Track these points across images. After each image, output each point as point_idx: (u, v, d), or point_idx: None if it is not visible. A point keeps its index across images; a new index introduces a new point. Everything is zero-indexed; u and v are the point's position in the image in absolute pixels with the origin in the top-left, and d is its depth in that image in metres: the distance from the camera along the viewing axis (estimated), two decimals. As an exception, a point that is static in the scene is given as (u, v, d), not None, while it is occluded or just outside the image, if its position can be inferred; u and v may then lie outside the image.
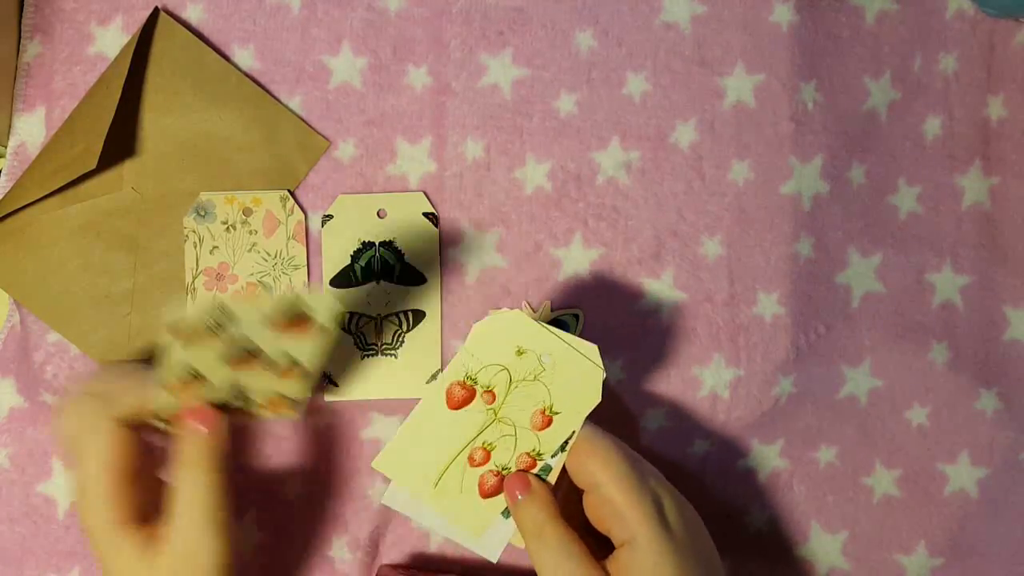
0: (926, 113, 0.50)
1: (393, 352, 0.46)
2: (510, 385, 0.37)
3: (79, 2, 0.45)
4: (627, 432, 0.47)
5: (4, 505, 0.45)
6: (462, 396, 0.37)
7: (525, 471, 0.37)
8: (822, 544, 0.49)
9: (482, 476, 0.38)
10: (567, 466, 0.37)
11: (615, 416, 0.47)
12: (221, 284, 0.45)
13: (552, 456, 0.37)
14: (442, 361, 0.46)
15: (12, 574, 0.45)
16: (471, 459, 0.37)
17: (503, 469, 0.37)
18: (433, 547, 0.47)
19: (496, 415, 0.37)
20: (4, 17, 0.45)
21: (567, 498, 0.39)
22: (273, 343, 0.35)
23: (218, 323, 0.34)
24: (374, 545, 0.47)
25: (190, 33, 0.45)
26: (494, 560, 0.38)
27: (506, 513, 0.38)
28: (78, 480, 0.37)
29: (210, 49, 0.45)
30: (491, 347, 0.36)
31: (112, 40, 0.45)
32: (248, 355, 0.36)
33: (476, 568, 0.47)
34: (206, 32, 0.46)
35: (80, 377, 0.44)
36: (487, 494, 0.38)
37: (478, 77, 0.46)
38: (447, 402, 0.37)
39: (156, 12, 0.45)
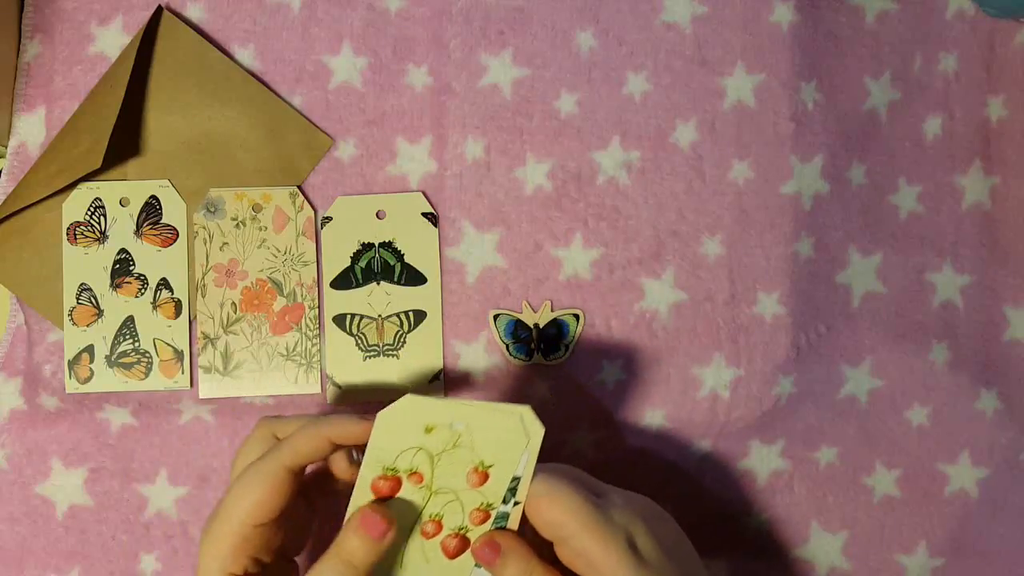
0: (926, 113, 0.50)
1: (395, 353, 0.46)
2: (433, 460, 0.35)
3: (79, 2, 0.45)
4: (627, 432, 0.47)
5: (4, 505, 0.45)
6: (389, 487, 0.35)
7: (488, 535, 0.35)
8: (822, 544, 0.49)
9: (443, 543, 0.36)
10: (530, 519, 0.35)
11: (615, 416, 0.47)
12: (231, 280, 0.45)
13: (504, 503, 0.35)
14: (444, 361, 0.46)
15: (12, 574, 0.45)
16: (424, 533, 0.35)
17: (460, 529, 0.35)
18: (433, 547, 0.47)
19: (431, 490, 0.35)
20: (4, 17, 0.45)
21: (533, 543, 0.36)
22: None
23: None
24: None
25: (193, 31, 0.45)
26: None
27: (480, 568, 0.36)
28: (219, 508, 0.35)
29: (213, 47, 0.45)
30: (397, 435, 0.34)
31: (112, 40, 0.45)
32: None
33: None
34: (206, 32, 0.46)
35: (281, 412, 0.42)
36: (454, 554, 0.36)
37: (478, 77, 0.46)
38: (377, 497, 0.35)
39: (159, 10, 0.45)
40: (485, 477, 0.35)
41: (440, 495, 0.35)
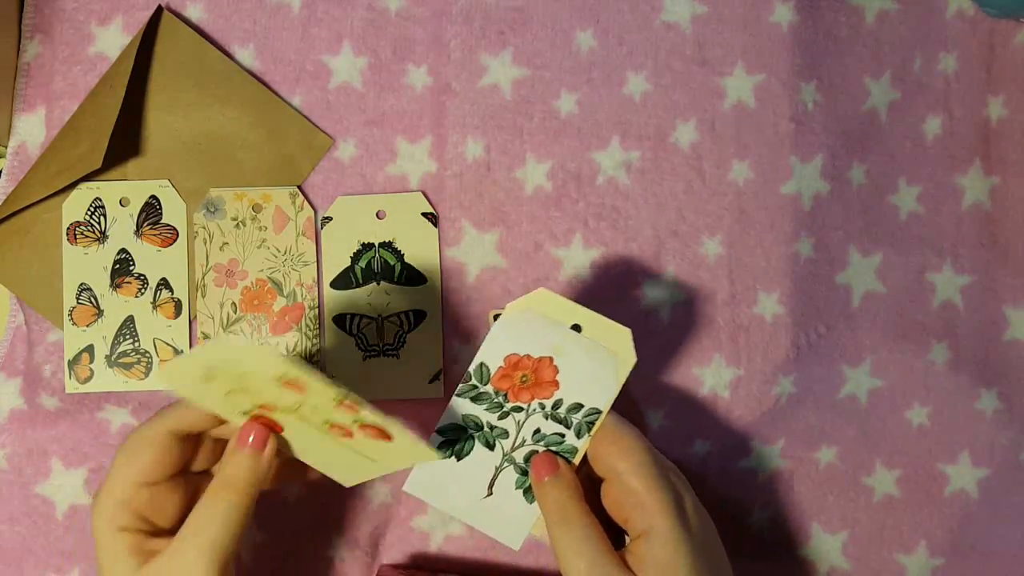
0: (926, 113, 0.50)
1: (395, 352, 0.46)
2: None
3: (79, 2, 0.45)
4: (627, 432, 0.47)
5: (4, 505, 0.45)
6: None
7: (552, 455, 0.37)
8: (822, 544, 0.49)
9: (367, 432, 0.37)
10: (587, 453, 0.37)
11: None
12: (231, 280, 0.45)
13: (578, 437, 0.37)
14: (444, 361, 0.46)
15: (12, 574, 0.45)
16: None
17: (355, 421, 0.36)
18: (433, 547, 0.47)
19: (296, 410, 0.36)
20: (4, 17, 0.45)
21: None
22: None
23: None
24: (374, 545, 0.47)
25: (193, 31, 0.45)
26: (516, 548, 0.38)
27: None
28: (105, 478, 0.36)
29: (213, 47, 0.45)
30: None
31: (112, 40, 0.45)
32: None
33: (476, 568, 0.47)
34: (206, 32, 0.46)
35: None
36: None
37: (478, 77, 0.46)
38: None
39: (159, 11, 0.45)
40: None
41: (303, 408, 0.35)
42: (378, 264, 0.46)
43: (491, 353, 0.37)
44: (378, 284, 0.46)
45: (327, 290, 0.46)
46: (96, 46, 0.45)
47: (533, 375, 0.37)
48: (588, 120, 0.46)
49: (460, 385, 0.37)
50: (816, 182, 0.47)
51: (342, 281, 0.46)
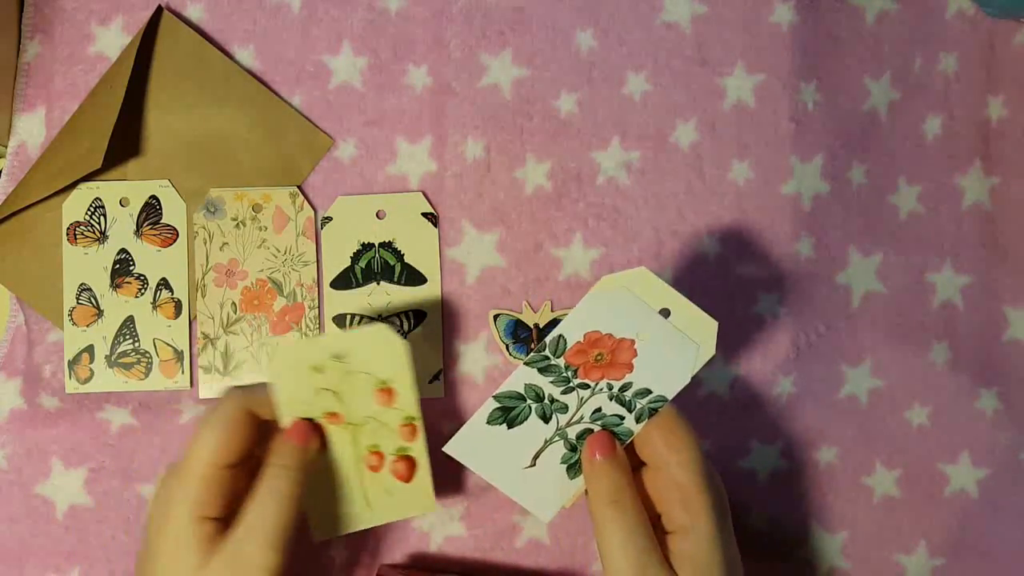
0: (926, 113, 0.50)
1: (393, 352, 0.46)
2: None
3: (79, 2, 0.46)
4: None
5: (4, 505, 0.45)
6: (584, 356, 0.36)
7: (610, 435, 0.36)
8: (822, 544, 0.49)
9: (392, 470, 0.37)
10: (639, 437, 0.37)
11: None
12: (231, 280, 0.45)
13: (638, 421, 0.36)
14: (444, 361, 0.46)
15: (12, 574, 0.45)
16: (371, 468, 0.37)
17: (399, 450, 0.37)
18: (433, 547, 0.47)
19: (356, 424, 0.37)
20: (4, 17, 0.45)
21: None
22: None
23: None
24: (374, 545, 0.47)
25: (193, 31, 0.45)
26: (546, 520, 0.38)
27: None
28: (184, 453, 0.35)
29: (213, 47, 0.45)
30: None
31: (112, 40, 0.45)
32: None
33: (476, 568, 0.47)
34: (206, 32, 0.46)
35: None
36: (407, 477, 0.37)
37: (478, 77, 0.46)
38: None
39: (159, 10, 0.45)
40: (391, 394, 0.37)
41: (368, 425, 0.37)
42: (378, 264, 0.46)
43: (572, 327, 0.36)
44: (378, 284, 0.46)
45: (327, 290, 0.46)
46: (96, 46, 0.45)
47: (610, 355, 0.36)
48: (588, 120, 0.46)
49: (531, 354, 0.36)
50: (816, 182, 0.47)
51: (342, 281, 0.46)
